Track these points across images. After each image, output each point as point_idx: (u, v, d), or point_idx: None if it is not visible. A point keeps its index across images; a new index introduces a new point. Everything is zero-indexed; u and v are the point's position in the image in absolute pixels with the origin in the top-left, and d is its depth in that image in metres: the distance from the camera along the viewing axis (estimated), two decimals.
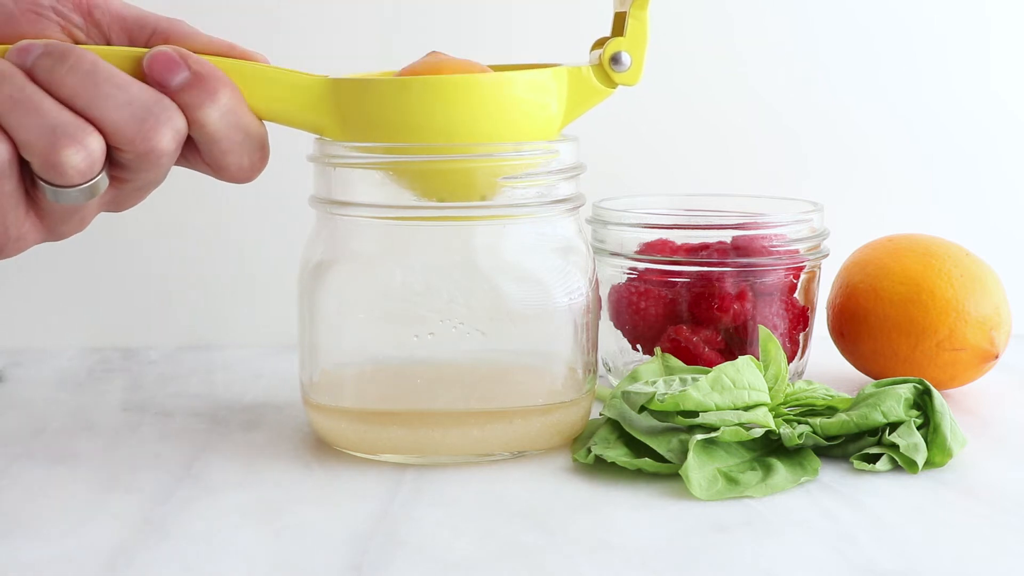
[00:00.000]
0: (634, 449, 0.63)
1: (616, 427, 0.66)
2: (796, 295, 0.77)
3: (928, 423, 0.65)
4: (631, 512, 0.58)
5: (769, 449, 0.64)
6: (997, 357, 0.76)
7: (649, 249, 0.76)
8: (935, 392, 0.65)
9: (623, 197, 0.81)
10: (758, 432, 0.63)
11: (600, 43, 0.66)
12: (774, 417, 0.65)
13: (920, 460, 0.62)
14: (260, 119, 0.60)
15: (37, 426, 0.71)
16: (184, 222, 0.90)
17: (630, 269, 0.77)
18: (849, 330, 0.78)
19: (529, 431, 0.64)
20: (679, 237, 0.76)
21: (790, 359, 0.76)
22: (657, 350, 0.73)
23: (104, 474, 0.63)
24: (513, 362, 0.65)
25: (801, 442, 0.63)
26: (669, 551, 0.53)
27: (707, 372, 0.66)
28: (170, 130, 0.56)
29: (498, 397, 0.64)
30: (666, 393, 0.63)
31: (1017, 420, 0.73)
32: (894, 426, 0.64)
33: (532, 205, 0.64)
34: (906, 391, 0.65)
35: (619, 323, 0.78)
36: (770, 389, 0.66)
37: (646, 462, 0.62)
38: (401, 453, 0.64)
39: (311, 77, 0.61)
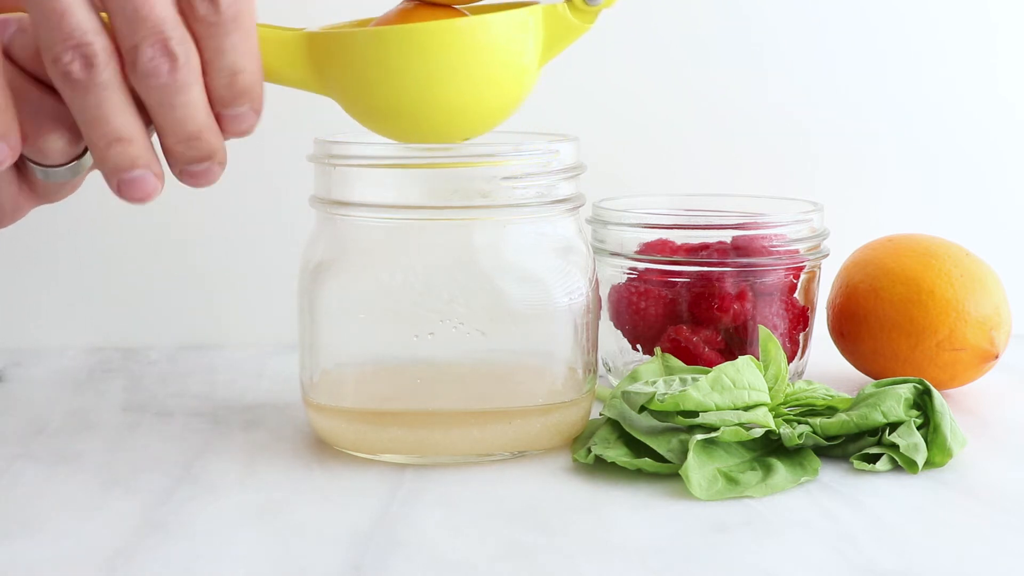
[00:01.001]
0: (634, 449, 0.63)
1: (616, 427, 0.66)
2: (796, 295, 0.77)
3: (928, 423, 0.65)
4: (631, 512, 0.58)
5: (769, 449, 0.64)
6: (997, 357, 0.76)
7: (649, 249, 0.76)
8: (935, 392, 0.65)
9: (623, 197, 0.81)
10: (758, 432, 0.63)
11: None
12: (774, 417, 0.65)
13: (920, 460, 0.62)
14: None
15: (37, 426, 0.71)
16: (184, 222, 0.90)
17: (630, 269, 0.77)
18: (849, 330, 0.78)
19: (529, 431, 0.64)
20: (679, 237, 0.76)
21: (790, 359, 0.76)
22: (657, 350, 0.73)
23: (104, 474, 0.63)
24: (513, 362, 0.65)
25: (801, 442, 0.63)
26: (669, 551, 0.53)
27: (707, 372, 0.66)
28: None
29: (498, 397, 0.64)
30: (666, 393, 0.63)
31: (1017, 420, 0.73)
32: (894, 426, 0.64)
33: (532, 205, 0.64)
34: (906, 391, 0.65)
35: (619, 323, 0.78)
36: (770, 389, 0.66)
37: (646, 462, 0.62)
38: (401, 453, 0.64)
39: (287, 31, 0.60)
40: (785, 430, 0.63)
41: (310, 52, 0.60)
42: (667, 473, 0.62)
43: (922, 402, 0.66)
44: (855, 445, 0.65)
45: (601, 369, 0.80)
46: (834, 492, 0.60)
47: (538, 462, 0.65)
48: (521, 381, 0.65)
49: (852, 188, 0.93)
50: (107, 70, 0.52)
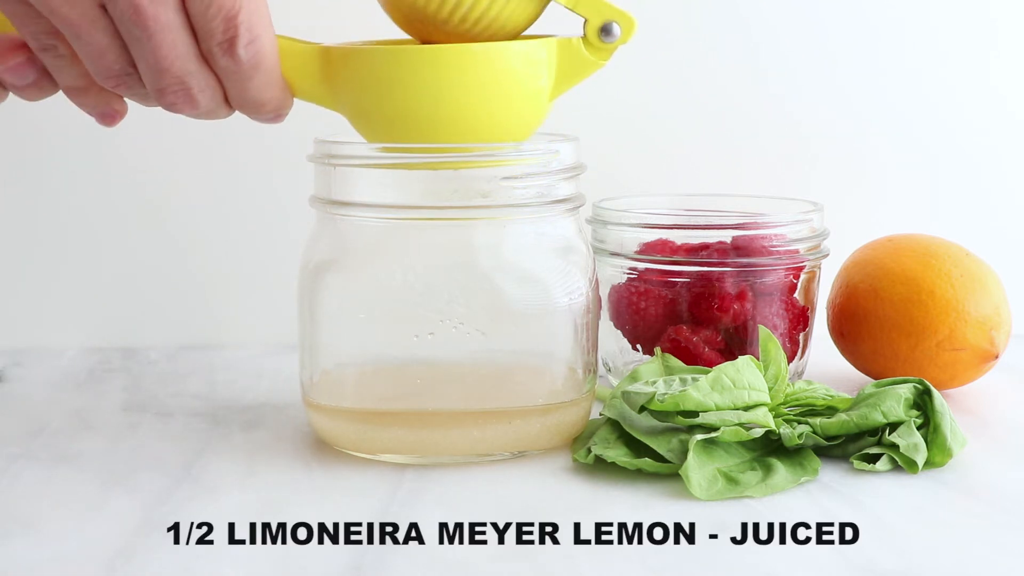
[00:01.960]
0: (634, 449, 0.63)
1: (616, 427, 0.66)
2: (796, 295, 0.77)
3: (928, 423, 0.65)
4: (631, 512, 0.58)
5: (769, 449, 0.64)
6: (997, 357, 0.76)
7: (649, 249, 0.76)
8: (935, 392, 0.65)
9: (623, 197, 0.81)
10: (758, 432, 0.63)
11: None
12: (774, 417, 0.65)
13: (920, 460, 0.62)
14: None
15: (37, 426, 0.71)
16: (184, 222, 0.90)
17: (630, 269, 0.77)
18: (849, 330, 0.78)
19: (529, 431, 0.64)
20: (679, 237, 0.76)
21: (790, 359, 0.76)
22: (657, 350, 0.73)
23: (104, 474, 0.63)
24: (513, 362, 0.65)
25: (801, 442, 0.63)
26: (669, 551, 0.53)
27: (707, 372, 0.66)
28: None
29: (498, 397, 0.64)
30: (666, 393, 0.63)
31: (1017, 420, 0.73)
32: (894, 426, 0.64)
33: (532, 205, 0.64)
34: (906, 391, 0.65)
35: (619, 323, 0.78)
36: (770, 389, 0.66)
37: (646, 462, 0.62)
38: (401, 453, 0.64)
39: (303, 44, 0.61)
40: (785, 430, 0.63)
41: (325, 66, 0.61)
42: (667, 473, 0.62)
43: (922, 402, 0.66)
44: (855, 445, 0.65)
45: (601, 369, 0.80)
46: (834, 492, 0.60)
47: (538, 462, 0.65)
48: (521, 381, 0.65)
49: (852, 188, 0.93)
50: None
